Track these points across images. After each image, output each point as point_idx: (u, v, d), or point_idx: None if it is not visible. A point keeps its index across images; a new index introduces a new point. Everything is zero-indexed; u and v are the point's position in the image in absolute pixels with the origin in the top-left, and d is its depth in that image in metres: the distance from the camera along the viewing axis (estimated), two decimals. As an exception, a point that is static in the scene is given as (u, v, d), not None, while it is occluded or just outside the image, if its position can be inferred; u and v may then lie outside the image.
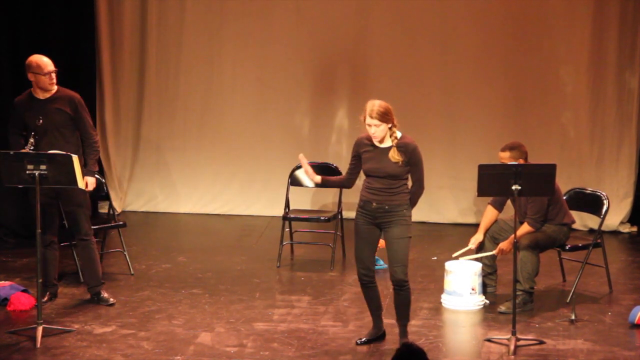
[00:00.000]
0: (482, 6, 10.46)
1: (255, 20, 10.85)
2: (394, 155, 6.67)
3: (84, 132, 7.74)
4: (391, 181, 6.69)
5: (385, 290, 8.29)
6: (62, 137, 7.62)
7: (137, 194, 11.25)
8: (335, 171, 9.38)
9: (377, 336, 7.04)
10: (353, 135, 10.87)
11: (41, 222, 7.26)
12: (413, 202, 6.80)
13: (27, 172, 6.96)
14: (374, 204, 6.72)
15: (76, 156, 7.07)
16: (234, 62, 10.97)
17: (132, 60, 11.03)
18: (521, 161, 7.72)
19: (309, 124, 11.00)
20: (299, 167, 9.51)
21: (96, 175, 7.85)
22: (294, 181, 9.45)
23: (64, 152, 7.17)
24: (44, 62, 7.62)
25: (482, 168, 7.01)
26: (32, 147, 7.45)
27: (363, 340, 7.00)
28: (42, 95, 7.66)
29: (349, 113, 10.80)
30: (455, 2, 10.49)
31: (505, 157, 7.77)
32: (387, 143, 6.73)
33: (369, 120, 6.67)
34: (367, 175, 6.79)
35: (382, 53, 10.68)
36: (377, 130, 6.67)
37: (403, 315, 6.89)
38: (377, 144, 6.74)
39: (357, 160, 6.83)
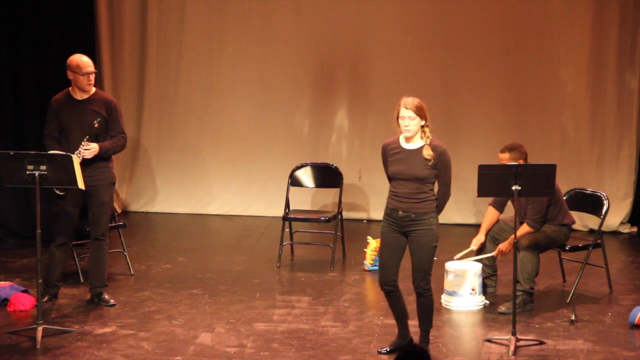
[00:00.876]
0: (482, 7, 10.46)
1: (255, 20, 10.85)
2: (428, 152, 6.50)
3: (115, 134, 7.77)
4: (418, 185, 6.51)
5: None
6: (95, 139, 7.66)
7: (137, 194, 11.26)
8: (335, 171, 9.39)
9: (402, 345, 6.76)
10: (353, 135, 10.93)
11: (59, 221, 7.41)
12: (440, 208, 6.63)
13: (27, 172, 6.96)
14: (400, 212, 6.54)
15: (75, 156, 7.07)
16: (234, 62, 10.97)
17: (132, 60, 11.03)
18: (521, 162, 7.72)
19: (309, 124, 11.00)
20: (298, 167, 9.52)
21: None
22: (294, 181, 9.45)
23: (64, 152, 7.17)
24: (84, 62, 7.65)
25: (482, 168, 7.01)
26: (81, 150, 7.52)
27: (386, 349, 6.79)
28: (79, 96, 7.69)
29: (349, 113, 10.81)
30: (455, 2, 10.50)
31: (505, 158, 7.77)
32: (417, 144, 6.58)
33: (403, 112, 6.51)
34: (393, 179, 6.59)
35: (382, 53, 10.69)
36: (410, 124, 6.51)
37: (425, 321, 6.77)
38: (404, 145, 6.58)
39: (386, 165, 6.67)
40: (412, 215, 6.54)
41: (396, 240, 6.64)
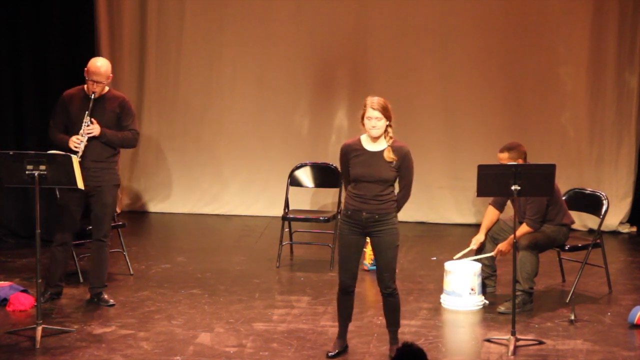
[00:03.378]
0: (481, 6, 10.46)
1: (255, 20, 10.85)
2: (389, 155, 6.50)
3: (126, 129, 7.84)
4: (381, 187, 6.50)
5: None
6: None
7: (137, 194, 11.26)
8: (334, 171, 9.39)
9: (343, 348, 6.81)
10: (353, 135, 10.89)
11: (61, 221, 7.47)
12: (399, 208, 6.64)
13: (27, 172, 6.96)
14: (364, 213, 6.52)
15: (75, 156, 7.08)
16: (234, 62, 10.97)
17: (131, 60, 11.03)
18: (520, 161, 7.72)
19: (308, 124, 11.00)
20: (298, 167, 9.52)
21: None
22: (294, 181, 9.45)
23: (64, 153, 7.17)
24: (92, 68, 7.70)
25: (481, 168, 7.01)
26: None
27: (335, 353, 6.75)
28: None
29: (348, 113, 10.80)
30: (455, 2, 10.49)
31: (504, 158, 7.77)
32: (379, 146, 6.55)
33: (370, 112, 6.46)
34: (357, 181, 6.53)
35: (382, 53, 10.69)
36: (377, 124, 6.47)
37: (393, 322, 6.76)
38: (367, 146, 6.54)
39: (347, 168, 6.61)
40: (376, 216, 6.52)
41: (356, 242, 6.64)
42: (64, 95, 7.81)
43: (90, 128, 7.62)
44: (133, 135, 7.84)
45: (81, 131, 7.60)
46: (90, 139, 7.64)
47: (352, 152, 6.56)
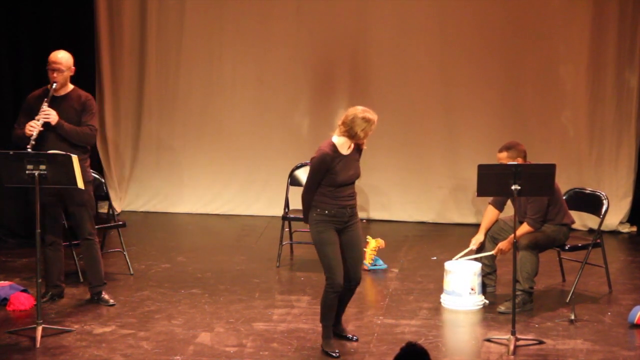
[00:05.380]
0: (481, 6, 10.46)
1: (255, 20, 10.84)
2: (356, 155, 6.82)
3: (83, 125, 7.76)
4: (353, 184, 6.84)
5: (385, 290, 8.31)
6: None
7: (137, 194, 11.26)
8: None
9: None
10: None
11: (42, 221, 7.31)
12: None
13: (27, 172, 6.96)
14: (348, 209, 6.78)
15: (76, 156, 7.06)
16: (234, 62, 10.97)
17: (132, 60, 11.03)
18: (519, 160, 7.71)
19: (308, 124, 11.00)
20: (298, 166, 9.52)
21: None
22: (294, 181, 9.45)
23: (64, 152, 7.17)
24: (50, 57, 7.70)
25: (481, 168, 7.01)
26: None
27: (338, 351, 6.80)
28: (57, 93, 7.70)
29: (348, 113, 10.78)
30: (455, 2, 10.49)
31: (503, 158, 7.77)
32: (349, 150, 6.75)
33: (372, 128, 6.74)
34: (341, 185, 6.72)
35: (382, 53, 10.69)
36: None
37: (344, 308, 7.05)
38: (342, 152, 6.71)
39: (325, 175, 6.72)
40: (354, 210, 6.86)
41: (337, 239, 6.82)
42: (29, 97, 7.78)
43: (46, 114, 7.52)
44: (91, 130, 7.70)
45: (37, 116, 7.52)
46: (48, 132, 7.51)
47: (334, 159, 6.70)
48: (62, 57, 7.70)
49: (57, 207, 7.73)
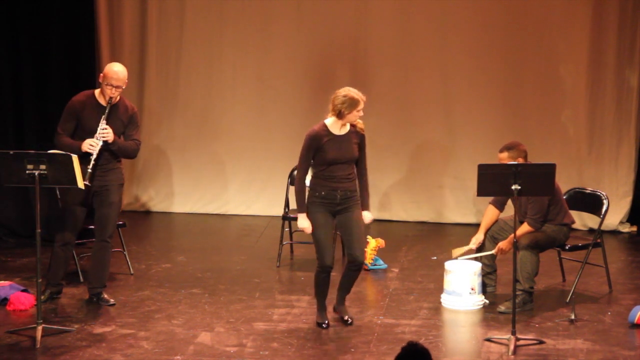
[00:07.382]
0: (481, 4, 10.45)
1: (255, 20, 10.84)
2: (355, 136, 7.10)
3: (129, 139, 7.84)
4: (349, 166, 7.07)
5: (385, 290, 8.30)
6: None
7: (137, 194, 11.26)
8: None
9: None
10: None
11: (65, 220, 7.49)
12: (367, 186, 7.23)
13: (27, 172, 6.96)
14: (339, 191, 7.06)
15: (75, 156, 7.06)
16: (234, 62, 10.97)
17: (132, 60, 11.01)
18: (520, 160, 7.71)
19: (308, 124, 10.95)
20: (298, 166, 9.52)
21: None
22: (294, 181, 9.42)
23: (64, 152, 7.17)
24: (110, 73, 7.60)
25: (481, 168, 7.01)
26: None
27: (327, 322, 7.27)
28: (104, 102, 7.67)
29: (348, 113, 10.78)
30: (455, 2, 10.49)
31: (504, 158, 7.76)
32: (344, 130, 7.07)
33: (362, 106, 7.05)
34: (331, 164, 7.03)
35: (382, 53, 10.68)
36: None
37: (349, 289, 7.36)
38: (334, 131, 7.04)
39: (314, 153, 7.07)
40: (349, 193, 7.10)
41: (330, 222, 7.14)
42: (75, 102, 7.71)
43: (106, 132, 7.59)
44: (137, 146, 7.84)
45: (97, 135, 7.57)
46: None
47: (322, 137, 7.06)
48: (120, 72, 7.63)
49: (83, 207, 7.74)
